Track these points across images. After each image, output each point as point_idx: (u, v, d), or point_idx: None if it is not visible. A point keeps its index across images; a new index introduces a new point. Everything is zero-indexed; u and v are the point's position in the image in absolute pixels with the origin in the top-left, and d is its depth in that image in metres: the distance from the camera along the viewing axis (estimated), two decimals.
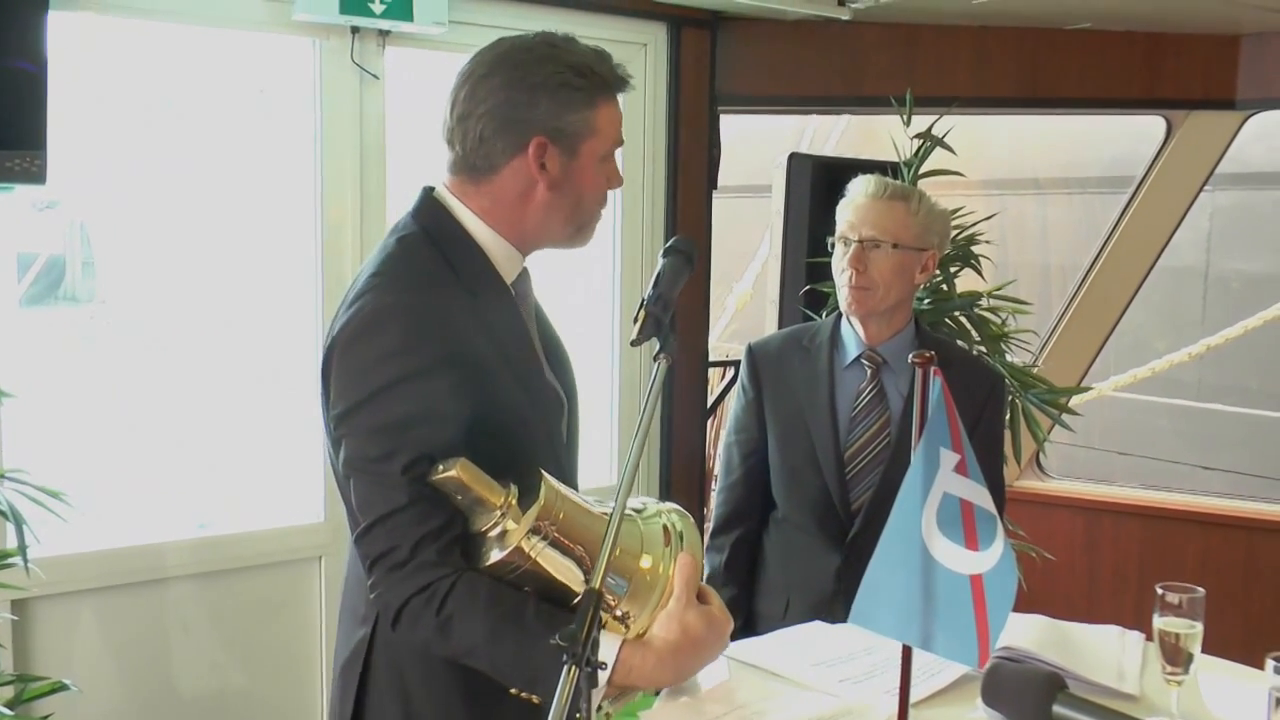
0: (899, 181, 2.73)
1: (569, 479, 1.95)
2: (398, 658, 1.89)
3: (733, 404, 2.89)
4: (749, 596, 2.83)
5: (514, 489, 1.72)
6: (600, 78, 1.86)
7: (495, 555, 1.70)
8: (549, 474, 1.75)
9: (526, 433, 1.88)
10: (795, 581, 2.75)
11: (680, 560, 1.74)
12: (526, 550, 1.68)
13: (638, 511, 1.83)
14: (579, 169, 1.88)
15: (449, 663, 1.78)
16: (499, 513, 1.70)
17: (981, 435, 2.62)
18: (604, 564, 1.51)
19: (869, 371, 2.68)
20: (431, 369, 1.75)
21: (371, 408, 1.75)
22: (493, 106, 1.83)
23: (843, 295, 2.67)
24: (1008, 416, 3.82)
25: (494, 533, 1.71)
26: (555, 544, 1.70)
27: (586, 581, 1.65)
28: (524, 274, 1.98)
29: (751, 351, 2.84)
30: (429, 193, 1.94)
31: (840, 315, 2.77)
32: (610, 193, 1.99)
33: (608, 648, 1.63)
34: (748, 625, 2.76)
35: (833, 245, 2.72)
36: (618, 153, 1.96)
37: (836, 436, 2.66)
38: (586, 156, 1.88)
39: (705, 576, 2.83)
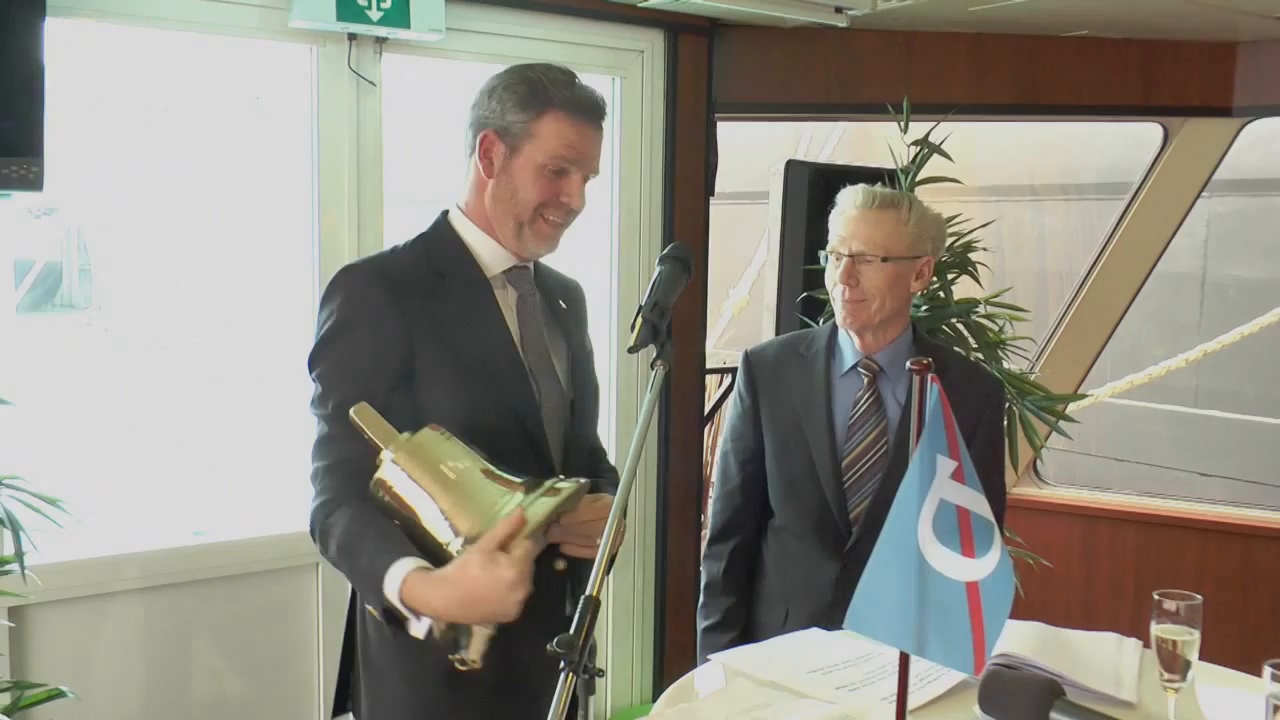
0: (888, 189, 2.69)
1: (548, 468, 2.12)
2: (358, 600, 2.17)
3: (729, 411, 2.88)
4: (748, 605, 2.82)
5: (408, 436, 1.91)
6: (548, 91, 2.07)
7: (369, 486, 1.92)
8: (488, 452, 1.94)
9: (484, 408, 2.06)
10: (793, 591, 2.74)
11: (511, 513, 1.84)
12: (384, 485, 1.90)
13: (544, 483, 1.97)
14: (517, 166, 2.09)
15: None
16: (385, 452, 1.90)
17: (980, 442, 2.62)
18: (600, 571, 1.51)
19: (865, 380, 2.67)
20: (357, 323, 2.04)
21: (318, 354, 2.07)
22: (469, 110, 2.14)
23: (837, 309, 2.66)
24: (1005, 423, 3.83)
25: (376, 467, 1.92)
26: (411, 483, 1.89)
27: (441, 523, 1.88)
28: (521, 274, 2.18)
29: (748, 358, 2.83)
30: (444, 212, 2.21)
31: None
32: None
33: (397, 573, 1.85)
34: (746, 634, 2.75)
35: (825, 258, 2.70)
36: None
37: (834, 445, 2.65)
38: (526, 157, 2.08)
39: (704, 585, 2.85)
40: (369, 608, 1.98)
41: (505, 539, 1.81)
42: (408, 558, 1.86)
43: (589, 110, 2.10)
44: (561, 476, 2.02)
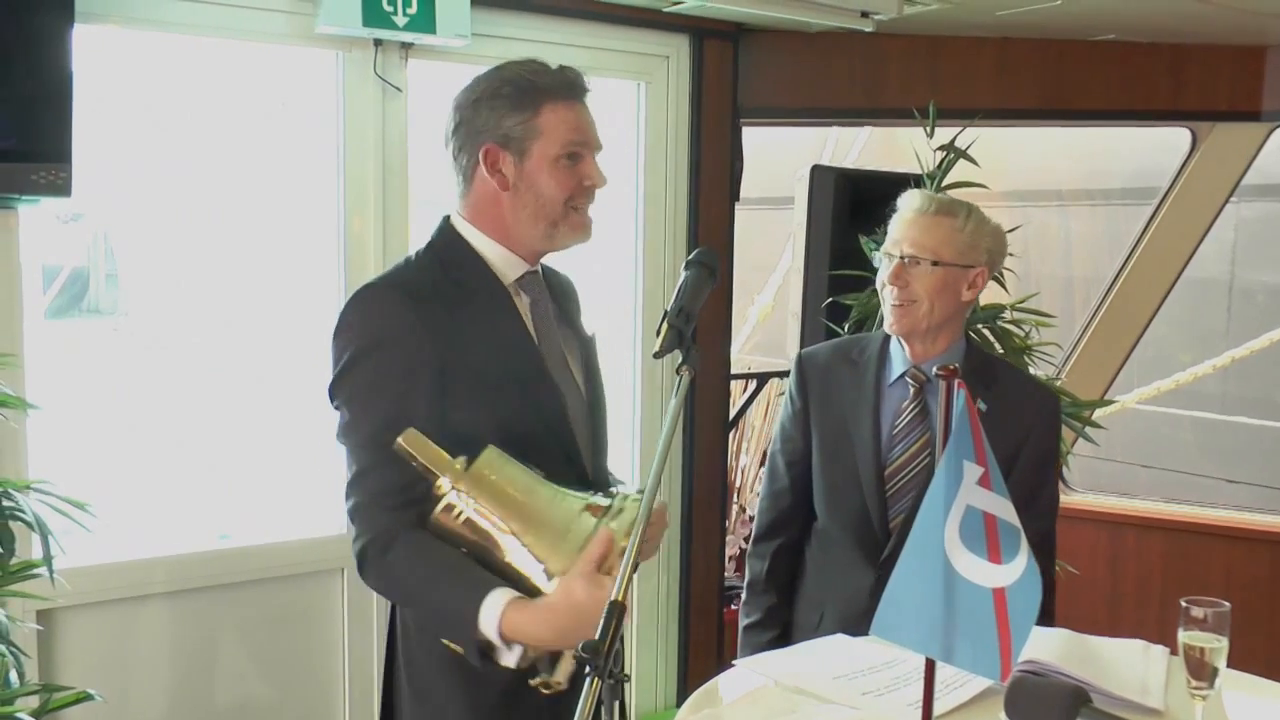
0: (951, 197, 2.68)
1: (584, 476, 2.11)
2: (406, 621, 2.12)
3: (780, 412, 2.88)
4: (789, 605, 2.83)
5: (463, 460, 1.87)
6: (535, 85, 2.04)
7: (431, 517, 1.88)
8: (499, 450, 1.90)
9: (519, 422, 2.02)
10: (830, 595, 2.73)
11: (600, 533, 1.83)
12: (451, 513, 1.86)
13: (609, 497, 1.97)
14: (532, 170, 2.05)
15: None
16: (442, 478, 1.86)
17: (1027, 457, 2.61)
18: (625, 577, 1.51)
19: (912, 389, 2.65)
20: (386, 344, 1.97)
21: (341, 381, 2.00)
22: (454, 126, 2.11)
23: (886, 311, 2.65)
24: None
25: (437, 495, 1.87)
26: (480, 510, 1.86)
27: (514, 547, 1.86)
28: (533, 278, 2.15)
29: (801, 361, 2.82)
30: (445, 220, 2.17)
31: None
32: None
33: (493, 606, 1.81)
34: (784, 635, 2.75)
35: (879, 259, 2.70)
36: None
37: (878, 453, 2.64)
38: (538, 157, 2.04)
39: (746, 583, 2.87)
40: (448, 644, 1.92)
41: (600, 559, 1.80)
42: (499, 590, 1.83)
43: (578, 89, 2.09)
44: (619, 488, 2.02)
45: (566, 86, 2.07)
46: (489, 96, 2.05)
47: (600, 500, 1.93)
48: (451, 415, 1.97)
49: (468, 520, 1.86)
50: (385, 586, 1.97)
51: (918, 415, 2.64)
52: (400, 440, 1.86)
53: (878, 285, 2.69)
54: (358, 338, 1.99)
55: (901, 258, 2.59)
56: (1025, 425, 2.63)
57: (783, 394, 2.94)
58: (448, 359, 1.97)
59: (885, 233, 2.68)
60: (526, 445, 1.97)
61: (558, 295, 2.23)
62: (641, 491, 1.90)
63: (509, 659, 1.84)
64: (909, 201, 2.66)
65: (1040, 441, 2.67)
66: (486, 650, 1.85)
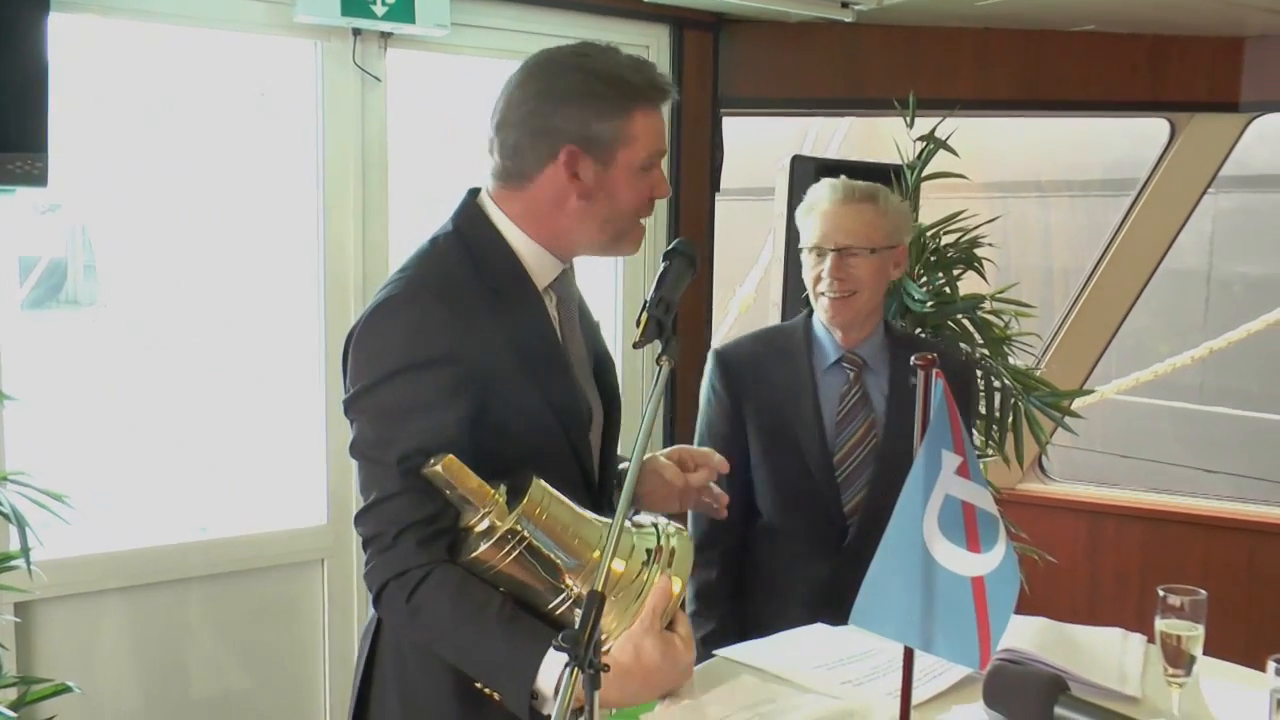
0: (857, 181, 2.68)
1: (592, 483, 2.00)
2: (400, 640, 1.94)
3: (702, 414, 2.80)
4: (742, 608, 2.77)
5: (502, 489, 1.75)
6: (631, 86, 1.87)
7: (471, 552, 1.74)
8: (545, 480, 1.77)
9: (544, 437, 1.90)
10: (789, 588, 2.70)
11: (658, 583, 1.72)
12: (499, 552, 1.73)
13: (638, 526, 1.84)
14: (614, 178, 1.89)
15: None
16: (483, 511, 1.73)
17: None
18: (606, 567, 1.50)
19: (851, 374, 2.67)
20: (433, 363, 1.79)
21: (374, 395, 1.82)
22: (524, 115, 1.88)
23: (822, 305, 2.65)
24: (1006, 416, 3.83)
25: (476, 530, 1.74)
26: (531, 549, 1.73)
27: (559, 589, 1.73)
28: (564, 277, 2.00)
29: (722, 356, 2.78)
30: (473, 195, 1.98)
31: (809, 316, 2.74)
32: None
33: (556, 660, 1.65)
34: (743, 637, 2.73)
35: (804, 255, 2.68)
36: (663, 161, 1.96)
37: (824, 441, 2.64)
38: (622, 166, 1.89)
39: (693, 593, 2.75)
40: (487, 690, 1.77)
41: (661, 612, 1.71)
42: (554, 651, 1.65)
43: (666, 93, 1.94)
44: (654, 522, 1.87)
45: (657, 90, 1.92)
46: (581, 94, 1.85)
47: (646, 539, 1.80)
48: (480, 433, 1.83)
49: (517, 560, 1.73)
50: (412, 626, 1.80)
51: (860, 399, 2.66)
52: (438, 467, 1.72)
53: (806, 279, 2.67)
54: (394, 354, 1.81)
55: (836, 250, 2.60)
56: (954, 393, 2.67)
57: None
58: (483, 372, 1.82)
59: None
60: (546, 457, 1.88)
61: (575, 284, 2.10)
62: (671, 521, 1.86)
63: (553, 708, 1.66)
64: (825, 193, 2.64)
65: (965, 405, 2.70)
66: (532, 698, 1.72)
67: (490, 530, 1.72)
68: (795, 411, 2.66)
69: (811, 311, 2.74)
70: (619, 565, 1.74)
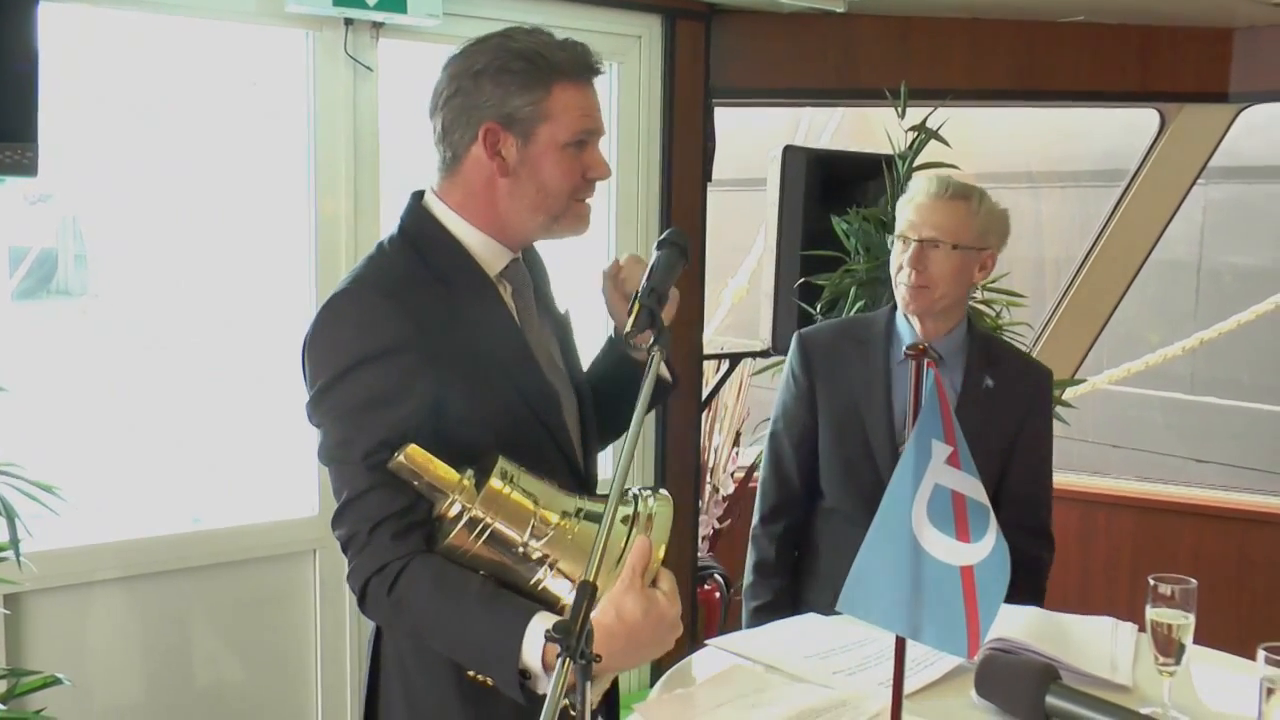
0: (961, 181, 2.72)
1: (577, 469, 1.99)
2: (401, 648, 1.93)
3: (780, 394, 2.88)
4: (797, 586, 2.84)
5: (469, 473, 1.74)
6: (549, 62, 1.85)
7: (445, 539, 1.74)
8: (507, 459, 1.77)
9: (516, 424, 1.88)
10: (845, 573, 2.73)
11: (637, 543, 1.70)
12: (470, 534, 1.72)
13: (630, 502, 1.83)
14: (536, 155, 1.86)
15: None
16: (451, 497, 1.72)
17: (1027, 434, 2.71)
18: (598, 556, 1.50)
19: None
20: (385, 353, 1.78)
21: (331, 395, 1.80)
22: (448, 98, 1.87)
23: (900, 293, 2.69)
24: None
25: (449, 516, 1.73)
26: (498, 534, 1.72)
27: (537, 564, 1.72)
28: (516, 266, 1.97)
29: (803, 340, 2.85)
30: (416, 198, 1.97)
31: (894, 309, 2.78)
32: (601, 183, 1.96)
33: (537, 631, 1.65)
34: (796, 613, 2.75)
35: (891, 241, 2.74)
36: (602, 142, 1.94)
37: (891, 429, 2.68)
38: (545, 143, 1.86)
39: (753, 564, 2.86)
40: (478, 676, 1.76)
41: (642, 570, 1.67)
42: (539, 615, 1.68)
43: (592, 69, 1.90)
44: (636, 493, 1.85)
45: (580, 65, 1.88)
46: (496, 70, 1.83)
47: (623, 508, 1.79)
48: (444, 422, 1.81)
49: (488, 541, 1.72)
50: (397, 618, 1.78)
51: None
52: (401, 458, 1.70)
53: (891, 267, 2.72)
54: (344, 351, 1.79)
55: (920, 241, 2.63)
56: (1025, 402, 2.72)
57: (779, 374, 2.94)
58: (440, 362, 1.80)
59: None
60: (523, 446, 1.84)
61: (535, 274, 2.08)
62: (653, 489, 1.84)
63: (546, 685, 1.64)
64: (923, 185, 2.69)
65: (1039, 419, 2.77)
66: (524, 678, 1.69)
67: (460, 514, 1.72)
68: (867, 400, 2.71)
69: (895, 306, 2.78)
70: (594, 529, 1.72)
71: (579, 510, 1.78)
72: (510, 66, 1.83)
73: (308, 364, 1.85)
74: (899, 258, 2.67)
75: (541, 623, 1.66)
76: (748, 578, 2.89)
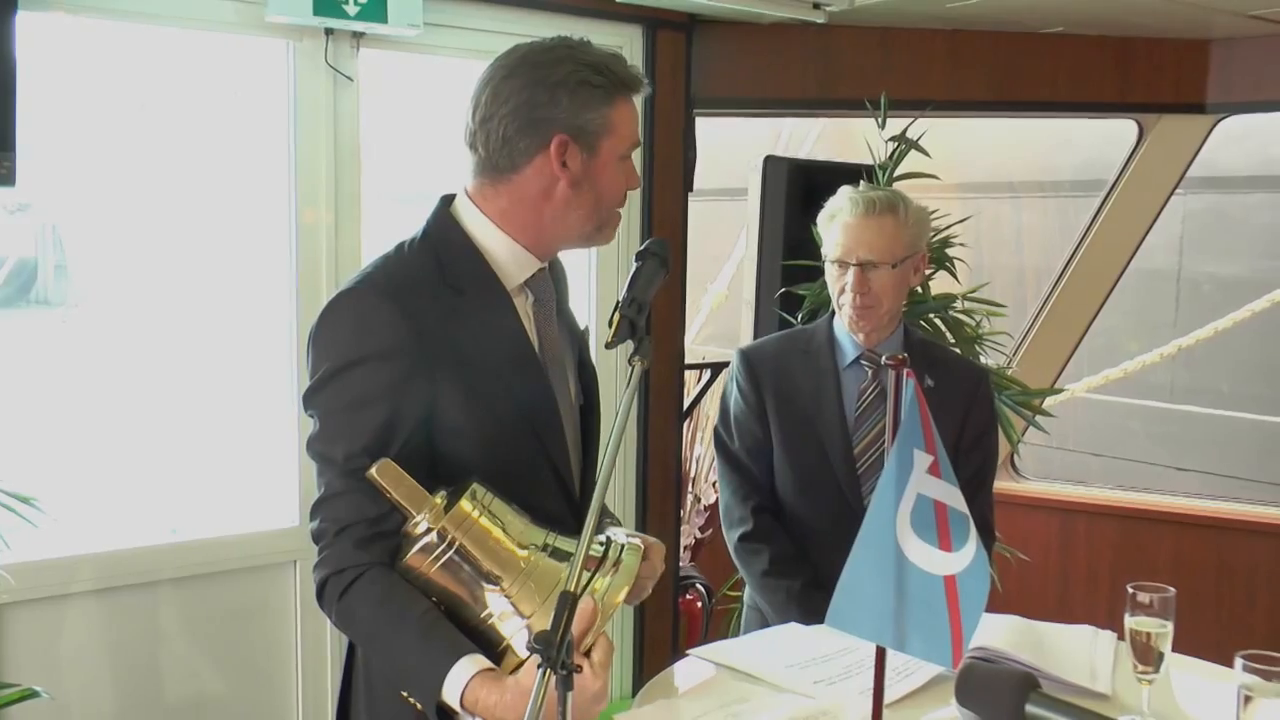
0: (880, 191, 2.72)
1: (569, 488, 1.97)
2: (369, 660, 1.93)
3: (732, 410, 2.85)
4: (796, 553, 2.74)
5: (442, 494, 1.73)
6: (617, 76, 1.89)
7: (402, 558, 1.74)
8: (519, 489, 1.77)
9: (512, 439, 1.88)
10: (824, 561, 2.71)
11: (581, 608, 1.59)
12: (426, 558, 1.71)
13: (605, 544, 1.80)
14: (599, 167, 1.90)
15: None
16: (418, 517, 1.72)
17: (970, 430, 2.73)
18: (577, 569, 1.49)
19: (870, 372, 2.74)
20: (377, 357, 1.79)
21: (322, 391, 1.83)
22: (515, 106, 1.86)
23: (846, 314, 2.71)
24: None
25: (413, 534, 1.73)
26: (460, 555, 1.70)
27: (488, 601, 1.71)
28: (541, 276, 1.99)
29: (747, 356, 2.86)
30: (445, 203, 1.97)
31: (831, 317, 2.80)
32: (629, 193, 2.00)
33: (460, 675, 1.65)
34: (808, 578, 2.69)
35: (826, 264, 2.73)
36: (634, 154, 1.98)
37: (846, 435, 2.71)
38: (606, 154, 1.90)
39: (739, 538, 2.78)
40: (406, 695, 1.75)
41: (579, 637, 1.62)
42: (468, 657, 1.67)
43: (643, 85, 1.96)
44: (611, 536, 1.83)
45: (637, 80, 1.93)
46: (576, 83, 1.85)
47: (594, 550, 1.77)
48: (438, 435, 1.83)
49: (445, 567, 1.70)
50: (344, 625, 1.81)
51: (878, 396, 2.71)
52: (373, 471, 1.71)
53: (831, 289, 2.74)
54: (340, 349, 1.82)
55: (859, 264, 2.63)
56: (966, 401, 2.75)
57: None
58: (436, 369, 1.81)
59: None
60: (513, 460, 1.86)
61: (559, 287, 2.08)
62: (635, 545, 1.81)
63: None
64: (849, 206, 2.67)
65: (981, 415, 2.79)
66: (447, 712, 1.69)
67: (423, 535, 1.71)
68: (818, 405, 2.74)
69: (833, 314, 2.80)
70: (559, 569, 1.71)
71: (546, 545, 1.76)
72: (591, 80, 1.86)
73: (310, 357, 1.87)
74: (838, 281, 2.68)
75: (471, 665, 1.66)
76: (739, 558, 2.78)
